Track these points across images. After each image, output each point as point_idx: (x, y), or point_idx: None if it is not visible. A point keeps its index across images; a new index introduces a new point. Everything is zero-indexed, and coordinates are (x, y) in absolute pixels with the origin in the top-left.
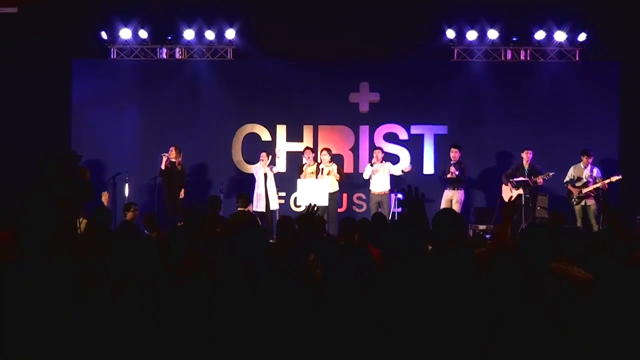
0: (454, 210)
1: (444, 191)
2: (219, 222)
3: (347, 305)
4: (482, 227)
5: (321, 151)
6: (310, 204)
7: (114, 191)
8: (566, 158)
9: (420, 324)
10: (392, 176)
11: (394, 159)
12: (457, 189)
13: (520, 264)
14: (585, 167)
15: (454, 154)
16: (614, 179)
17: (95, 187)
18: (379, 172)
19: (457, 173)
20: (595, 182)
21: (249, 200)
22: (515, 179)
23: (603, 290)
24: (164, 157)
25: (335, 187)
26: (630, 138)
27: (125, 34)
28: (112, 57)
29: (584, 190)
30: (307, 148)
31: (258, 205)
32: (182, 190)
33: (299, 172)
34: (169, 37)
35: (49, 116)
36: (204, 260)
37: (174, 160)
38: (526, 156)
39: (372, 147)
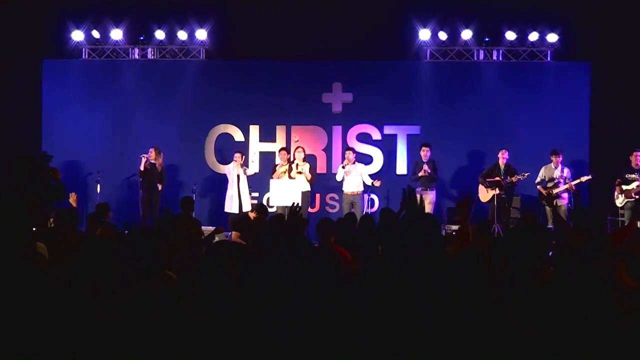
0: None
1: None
2: (192, 223)
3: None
4: (454, 227)
5: (296, 149)
6: (294, 203)
7: (85, 191)
8: (537, 158)
9: (401, 323)
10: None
11: (367, 159)
12: (429, 190)
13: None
14: (556, 167)
15: (425, 152)
16: (584, 179)
17: (66, 187)
18: (352, 172)
19: (429, 171)
20: (565, 183)
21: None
22: (489, 179)
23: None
24: (143, 158)
25: (306, 187)
26: (600, 139)
27: (97, 34)
28: (84, 57)
29: (555, 191)
30: (282, 149)
31: (231, 207)
32: (161, 186)
33: (272, 172)
34: (141, 38)
35: (20, 117)
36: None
37: (153, 161)
38: (502, 156)
39: (345, 148)
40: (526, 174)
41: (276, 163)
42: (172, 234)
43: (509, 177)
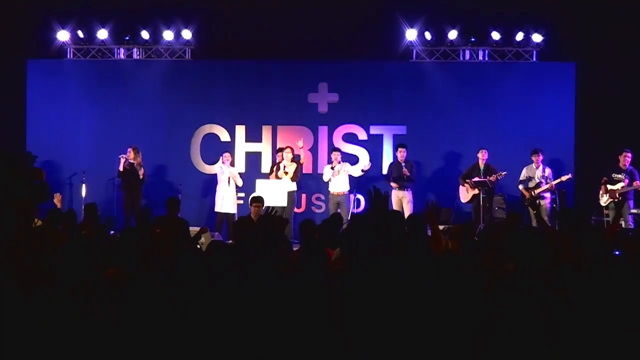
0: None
1: (392, 192)
2: (178, 223)
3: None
4: (439, 227)
5: (285, 148)
6: (269, 207)
7: (70, 192)
8: (523, 158)
9: (383, 324)
10: (350, 177)
11: (353, 159)
12: (407, 190)
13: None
14: (537, 167)
15: (401, 153)
16: (564, 178)
17: (51, 187)
18: (340, 173)
19: (408, 174)
20: (547, 182)
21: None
22: (473, 180)
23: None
24: (121, 158)
25: (293, 187)
26: (586, 138)
27: (82, 34)
28: (69, 57)
29: (537, 191)
30: (284, 148)
31: (223, 206)
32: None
33: (271, 172)
34: (127, 38)
35: (4, 117)
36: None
37: (132, 161)
38: (482, 156)
39: (331, 148)
40: (503, 173)
41: (277, 162)
42: (151, 230)
43: (488, 177)
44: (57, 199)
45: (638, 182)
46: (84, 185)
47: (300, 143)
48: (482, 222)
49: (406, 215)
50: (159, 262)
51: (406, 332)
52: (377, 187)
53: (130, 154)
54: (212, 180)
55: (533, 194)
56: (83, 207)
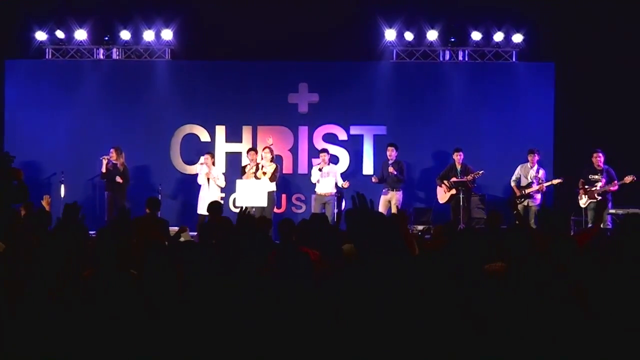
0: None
1: (381, 193)
2: (158, 223)
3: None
4: (420, 227)
5: (263, 149)
6: (241, 208)
7: (49, 192)
8: (502, 158)
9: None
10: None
11: (333, 159)
12: (396, 190)
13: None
14: (532, 167)
15: (391, 152)
16: (555, 181)
17: (29, 188)
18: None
19: (395, 172)
20: (539, 183)
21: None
22: (452, 180)
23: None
24: (103, 160)
25: (272, 187)
26: (564, 138)
27: (61, 34)
28: (47, 57)
29: (527, 191)
30: (250, 149)
31: (204, 208)
32: (121, 179)
33: (241, 173)
34: (106, 38)
35: None
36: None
37: (115, 161)
38: (457, 157)
39: (312, 148)
40: (480, 172)
41: (244, 164)
42: (128, 232)
43: (466, 177)
44: (45, 201)
45: (616, 182)
46: (62, 186)
47: (270, 140)
48: (462, 222)
49: None
50: (136, 263)
51: (392, 332)
52: (361, 193)
53: (113, 155)
54: (192, 180)
55: (524, 192)
56: (63, 207)
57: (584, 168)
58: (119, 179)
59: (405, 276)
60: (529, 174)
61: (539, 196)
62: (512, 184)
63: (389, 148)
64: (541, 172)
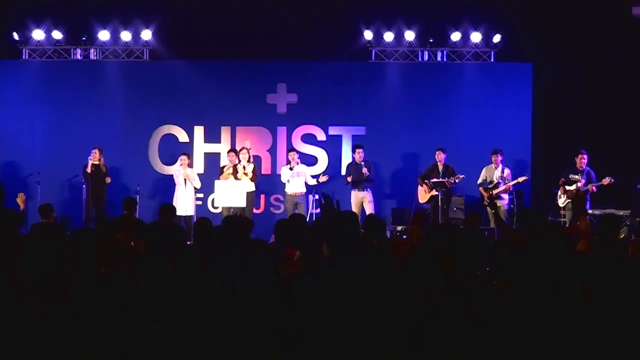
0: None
1: (351, 193)
2: (135, 223)
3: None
4: (399, 227)
5: (240, 149)
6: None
7: (26, 193)
8: (481, 158)
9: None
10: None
11: (312, 160)
12: (366, 190)
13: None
14: (496, 168)
15: (359, 154)
16: (520, 179)
17: (6, 188)
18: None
19: (368, 173)
20: (505, 183)
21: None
22: (432, 180)
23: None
24: (90, 160)
25: (251, 187)
26: (542, 139)
27: (37, 34)
28: (24, 57)
29: (494, 192)
30: (229, 150)
31: (180, 209)
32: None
33: (219, 174)
34: (84, 38)
35: None
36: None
37: (97, 162)
38: (439, 157)
39: (288, 149)
40: (461, 176)
41: (223, 165)
42: (107, 233)
43: (447, 178)
44: (20, 199)
45: (594, 184)
46: (39, 186)
47: (248, 144)
48: (440, 222)
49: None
50: (115, 264)
51: (361, 331)
52: (327, 194)
53: (96, 155)
54: (171, 181)
55: (491, 194)
56: (38, 208)
57: (566, 167)
58: (108, 180)
59: (375, 274)
60: (495, 175)
61: (506, 196)
62: (480, 187)
63: (358, 150)
64: (506, 171)
